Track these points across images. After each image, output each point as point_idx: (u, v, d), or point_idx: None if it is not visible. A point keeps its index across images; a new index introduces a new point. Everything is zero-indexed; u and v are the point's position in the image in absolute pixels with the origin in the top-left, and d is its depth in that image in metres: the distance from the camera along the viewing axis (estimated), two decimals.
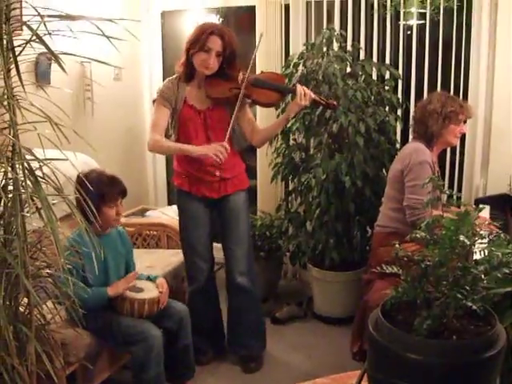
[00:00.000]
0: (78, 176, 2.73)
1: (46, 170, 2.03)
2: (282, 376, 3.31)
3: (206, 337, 3.57)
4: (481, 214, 3.40)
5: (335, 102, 3.20)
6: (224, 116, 3.25)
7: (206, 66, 3.14)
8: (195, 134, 3.25)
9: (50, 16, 1.95)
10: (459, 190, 4.16)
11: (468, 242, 1.32)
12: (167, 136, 3.32)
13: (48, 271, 2.21)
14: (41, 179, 2.00)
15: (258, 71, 4.01)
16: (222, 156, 3.08)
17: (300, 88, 3.07)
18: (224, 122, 3.24)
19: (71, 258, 2.38)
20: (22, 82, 1.92)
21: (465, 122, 3.41)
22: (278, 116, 4.01)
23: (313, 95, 3.06)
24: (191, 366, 3.21)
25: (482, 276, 1.41)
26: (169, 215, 4.49)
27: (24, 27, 1.95)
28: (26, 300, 2.18)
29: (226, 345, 3.64)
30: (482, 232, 1.37)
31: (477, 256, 1.49)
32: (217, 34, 3.11)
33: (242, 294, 3.46)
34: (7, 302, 2.14)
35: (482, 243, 1.49)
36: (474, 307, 1.34)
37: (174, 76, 3.32)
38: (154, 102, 3.34)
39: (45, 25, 1.93)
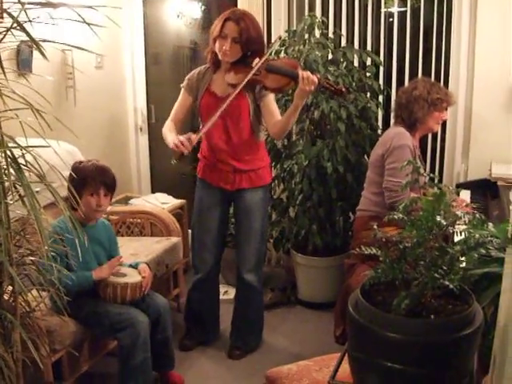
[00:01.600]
0: (74, 163, 2.78)
1: (28, 157, 2.03)
2: (266, 361, 3.34)
3: (198, 323, 3.65)
4: (461, 197, 3.45)
5: (343, 88, 3.09)
6: (243, 104, 3.21)
7: (223, 52, 3.12)
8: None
9: (30, 3, 1.95)
10: (440, 175, 4.21)
11: (445, 223, 1.36)
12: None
13: (32, 258, 2.22)
14: (24, 167, 2.00)
15: None
16: (184, 147, 3.00)
17: (302, 72, 2.95)
18: (244, 111, 3.21)
19: (55, 245, 2.39)
20: (3, 69, 1.92)
21: (446, 109, 3.44)
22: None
23: (316, 80, 2.93)
24: (171, 358, 3.22)
25: (460, 256, 1.44)
26: (152, 203, 4.49)
27: (5, 15, 1.94)
28: (10, 288, 2.18)
29: (229, 335, 3.67)
30: (458, 212, 1.40)
31: (458, 237, 1.53)
32: (233, 20, 3.07)
33: (248, 290, 3.50)
34: None
35: (461, 225, 1.52)
36: (451, 286, 1.38)
37: (206, 65, 3.34)
38: None
39: (26, 12, 1.93)
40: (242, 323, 3.61)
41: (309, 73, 2.94)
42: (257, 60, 3.12)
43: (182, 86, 3.37)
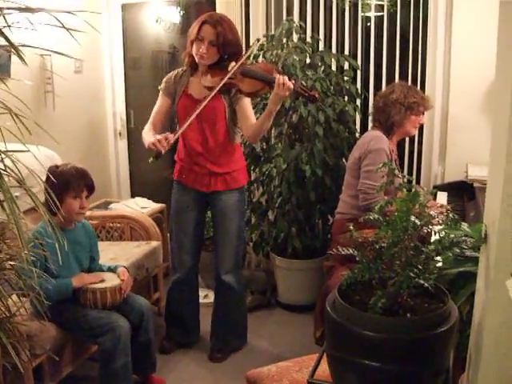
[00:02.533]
0: (50, 167, 2.77)
1: (7, 162, 2.03)
2: (246, 363, 3.35)
3: (178, 325, 3.66)
4: (439, 199, 3.50)
5: (317, 94, 3.11)
6: (219, 106, 3.24)
7: (200, 55, 3.14)
8: (190, 123, 3.22)
9: (9, 8, 1.95)
10: (418, 177, 4.25)
11: (419, 223, 1.38)
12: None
13: (12, 263, 2.22)
14: (3, 171, 2.00)
15: None
16: (160, 145, 2.98)
17: (278, 78, 2.95)
18: (219, 114, 3.24)
19: (35, 250, 2.39)
20: None
21: (423, 113, 3.49)
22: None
23: (292, 86, 2.96)
24: (153, 361, 3.22)
25: (435, 256, 1.47)
26: (132, 207, 4.49)
27: None
28: None
29: (209, 337, 3.69)
30: (431, 213, 1.43)
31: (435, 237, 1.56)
32: (210, 23, 3.11)
33: (227, 291, 3.52)
34: None
35: (438, 225, 1.56)
36: (427, 285, 1.41)
37: (182, 67, 3.37)
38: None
39: (4, 17, 1.93)
40: (222, 325, 3.62)
41: (286, 78, 2.96)
42: (233, 64, 3.14)
43: (159, 88, 3.39)
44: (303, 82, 3.61)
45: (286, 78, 2.96)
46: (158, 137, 3.03)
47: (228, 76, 3.09)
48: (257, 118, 3.28)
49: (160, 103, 3.38)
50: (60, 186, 2.67)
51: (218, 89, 3.09)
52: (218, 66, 3.19)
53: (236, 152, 3.42)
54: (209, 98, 3.09)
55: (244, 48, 3.86)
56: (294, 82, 3.02)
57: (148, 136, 3.17)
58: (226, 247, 3.45)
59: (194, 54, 3.18)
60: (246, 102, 3.27)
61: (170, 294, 3.66)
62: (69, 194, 2.89)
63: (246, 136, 3.33)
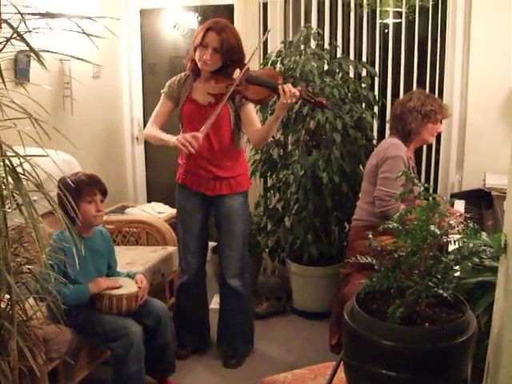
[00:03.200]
0: (61, 178, 2.78)
1: (26, 166, 2.04)
2: (261, 370, 3.35)
3: (189, 331, 3.65)
4: (456, 207, 3.48)
5: (324, 101, 3.12)
6: (224, 112, 3.23)
7: (203, 62, 3.15)
8: (195, 128, 3.22)
9: (30, 14, 1.97)
10: (435, 185, 4.23)
11: (438, 232, 1.37)
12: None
13: (29, 267, 2.23)
14: (22, 176, 2.01)
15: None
16: (192, 147, 3.03)
17: (283, 86, 2.99)
18: (224, 119, 3.24)
19: (53, 254, 2.40)
20: (3, 79, 1.94)
21: (441, 121, 3.47)
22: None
23: (298, 93, 2.98)
24: (171, 363, 3.24)
25: (454, 265, 1.46)
26: (148, 212, 4.50)
27: (4, 25, 1.96)
28: (7, 296, 2.19)
29: (216, 342, 3.69)
30: (451, 222, 1.42)
31: (453, 247, 1.55)
32: (214, 30, 3.11)
33: (233, 296, 3.51)
34: None
35: (456, 234, 1.54)
36: (445, 295, 1.39)
37: (185, 72, 3.38)
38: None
39: (25, 23, 1.95)
40: (228, 329, 3.61)
41: (290, 86, 2.99)
42: (237, 71, 3.17)
43: (162, 91, 3.40)
44: (309, 89, 3.62)
45: (290, 85, 3.00)
46: (188, 138, 3.05)
47: (236, 83, 3.11)
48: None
49: (162, 106, 3.39)
50: (73, 193, 2.66)
51: (227, 96, 3.11)
52: (221, 73, 3.21)
53: (240, 156, 3.43)
54: (221, 105, 3.11)
55: (261, 56, 3.88)
56: (300, 88, 3.03)
57: (167, 136, 3.21)
58: (230, 251, 3.44)
59: (198, 60, 3.19)
60: (251, 108, 3.30)
61: (178, 297, 3.68)
62: (83, 200, 2.91)
63: (252, 141, 3.35)
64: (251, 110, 3.30)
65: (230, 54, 3.15)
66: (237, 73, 3.19)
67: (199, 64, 3.19)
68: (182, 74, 3.40)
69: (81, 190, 2.89)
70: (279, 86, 3.01)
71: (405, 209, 1.51)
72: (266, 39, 3.38)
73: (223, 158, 3.30)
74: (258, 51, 3.39)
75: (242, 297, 3.52)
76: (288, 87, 2.97)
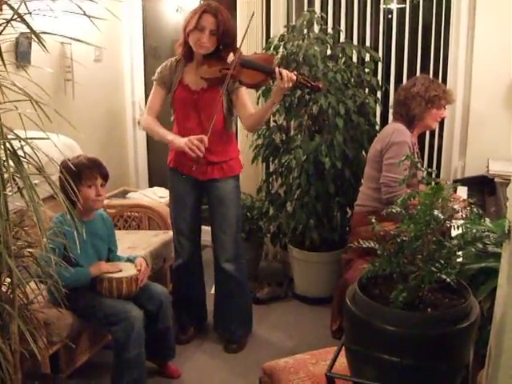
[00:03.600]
0: (63, 161, 2.77)
1: (27, 149, 2.03)
2: (262, 355, 3.35)
3: (187, 313, 3.65)
4: (459, 193, 3.46)
5: (320, 85, 3.12)
6: (216, 97, 3.19)
7: (200, 45, 3.12)
8: (187, 114, 3.24)
9: None
10: (438, 171, 4.21)
11: (442, 217, 1.36)
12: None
13: (30, 250, 2.22)
14: (23, 159, 2.00)
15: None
16: (199, 151, 3.04)
17: (280, 70, 2.97)
18: (216, 104, 3.20)
19: (53, 237, 2.40)
20: (3, 61, 1.92)
21: (444, 106, 3.45)
22: (258, 99, 4.07)
23: (294, 77, 2.97)
24: (172, 348, 3.25)
25: (457, 250, 1.45)
26: (150, 197, 4.50)
27: (4, 6, 1.94)
28: (8, 280, 2.19)
29: (213, 327, 3.70)
30: (455, 207, 1.41)
31: (455, 232, 1.54)
32: (210, 12, 3.08)
33: (228, 280, 3.49)
34: None
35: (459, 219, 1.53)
36: (448, 280, 1.39)
37: (175, 57, 3.34)
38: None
39: (25, 4, 1.93)
40: (223, 314, 3.61)
41: (286, 70, 2.98)
42: (231, 55, 3.16)
43: (153, 79, 3.36)
44: (305, 73, 3.60)
45: (285, 70, 2.98)
46: (196, 142, 3.04)
47: (232, 68, 3.09)
48: None
49: (156, 95, 3.35)
50: (73, 177, 2.65)
51: (226, 84, 3.10)
52: (214, 57, 3.19)
53: (232, 141, 3.43)
54: (223, 91, 3.11)
55: (264, 40, 3.84)
56: (295, 72, 3.02)
57: (174, 141, 3.17)
58: (224, 235, 3.43)
59: (193, 44, 3.14)
60: (244, 91, 3.27)
61: (175, 280, 3.71)
62: (83, 184, 2.90)
63: (245, 125, 3.35)
64: (244, 94, 3.28)
65: (226, 36, 3.13)
66: (231, 57, 3.17)
67: (194, 48, 3.16)
68: (172, 58, 3.35)
69: (81, 173, 2.88)
70: (276, 70, 2.99)
71: (408, 193, 1.50)
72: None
73: (215, 143, 3.25)
74: (247, 35, 3.33)
75: (237, 281, 3.50)
76: (284, 71, 2.96)
